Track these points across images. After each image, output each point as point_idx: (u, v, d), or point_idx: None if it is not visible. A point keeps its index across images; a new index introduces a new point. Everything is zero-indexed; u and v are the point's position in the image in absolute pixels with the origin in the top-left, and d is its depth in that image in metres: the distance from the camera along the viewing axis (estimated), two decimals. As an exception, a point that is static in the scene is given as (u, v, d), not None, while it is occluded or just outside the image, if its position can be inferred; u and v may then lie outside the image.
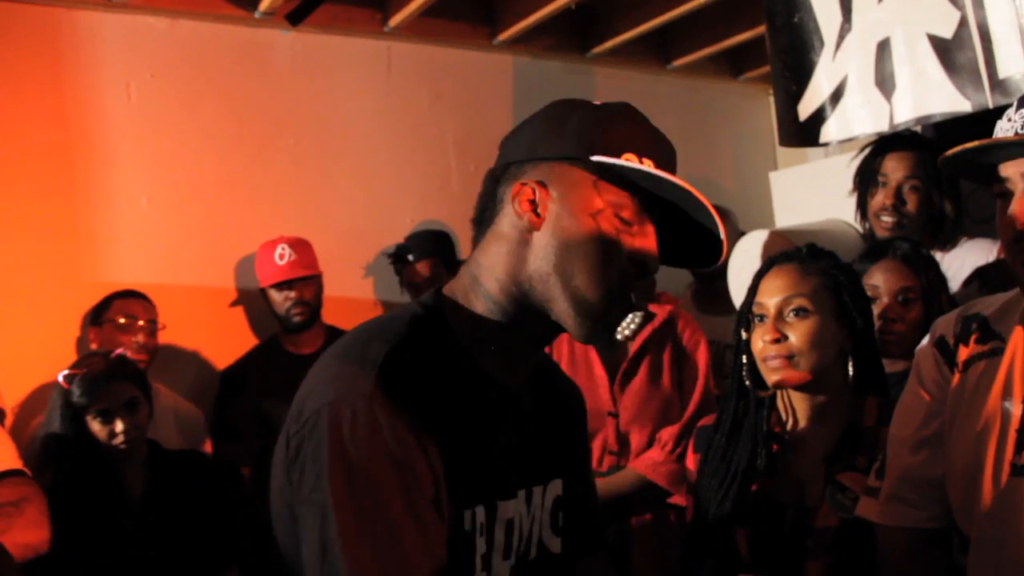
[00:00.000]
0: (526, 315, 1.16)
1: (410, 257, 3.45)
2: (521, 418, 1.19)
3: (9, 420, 2.79)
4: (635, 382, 2.46)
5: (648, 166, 1.13)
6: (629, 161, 1.13)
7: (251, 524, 2.41)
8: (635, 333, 2.50)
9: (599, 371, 2.47)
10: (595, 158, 1.13)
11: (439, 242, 3.52)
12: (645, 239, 1.16)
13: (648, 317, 2.52)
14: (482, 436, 1.12)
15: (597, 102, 1.20)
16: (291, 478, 1.06)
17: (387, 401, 1.03)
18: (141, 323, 2.95)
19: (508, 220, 1.17)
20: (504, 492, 1.15)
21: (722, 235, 1.15)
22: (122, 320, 2.94)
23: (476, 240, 1.22)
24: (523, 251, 1.15)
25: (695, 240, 1.18)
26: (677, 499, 2.41)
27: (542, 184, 1.14)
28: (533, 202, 1.14)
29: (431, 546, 1.02)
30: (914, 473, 1.54)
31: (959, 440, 1.47)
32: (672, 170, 1.17)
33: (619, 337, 2.51)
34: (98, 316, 2.98)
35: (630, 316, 2.50)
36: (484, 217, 1.21)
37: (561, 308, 1.14)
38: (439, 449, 1.05)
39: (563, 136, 1.16)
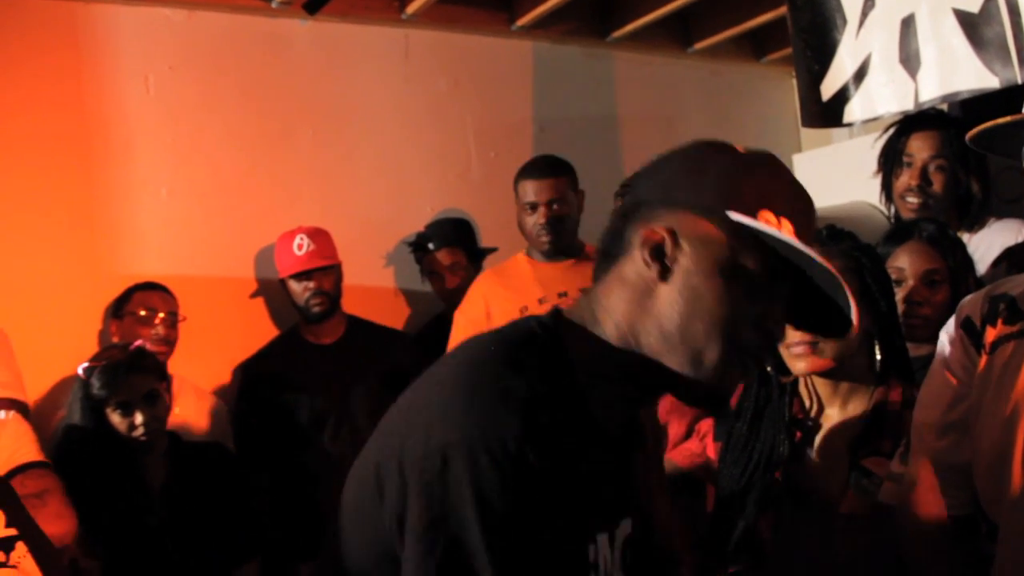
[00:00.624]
0: (637, 367, 1.12)
1: (431, 246, 3.44)
2: (610, 464, 1.16)
3: (33, 413, 2.81)
4: None
5: (786, 226, 1.08)
6: (766, 222, 1.07)
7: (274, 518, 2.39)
8: None
9: None
10: (732, 215, 1.07)
11: (460, 230, 3.51)
12: (773, 306, 1.11)
13: None
14: (587, 474, 1.09)
15: (741, 148, 1.14)
16: (397, 512, 1.01)
17: (538, 442, 0.99)
18: (161, 315, 2.96)
19: (634, 265, 1.11)
20: (600, 529, 1.14)
21: (854, 312, 1.10)
22: (142, 312, 2.95)
23: (598, 273, 1.16)
24: (647, 302, 1.10)
25: (824, 304, 1.12)
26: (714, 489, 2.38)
27: (672, 233, 1.09)
28: (661, 250, 1.09)
29: None
30: (940, 459, 1.50)
31: (986, 424, 1.43)
32: (811, 226, 1.14)
33: None
34: (119, 309, 3.00)
35: None
36: (609, 253, 1.15)
37: (675, 368, 1.10)
38: (567, 483, 1.03)
39: (701, 184, 1.10)
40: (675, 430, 2.41)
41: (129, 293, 3.00)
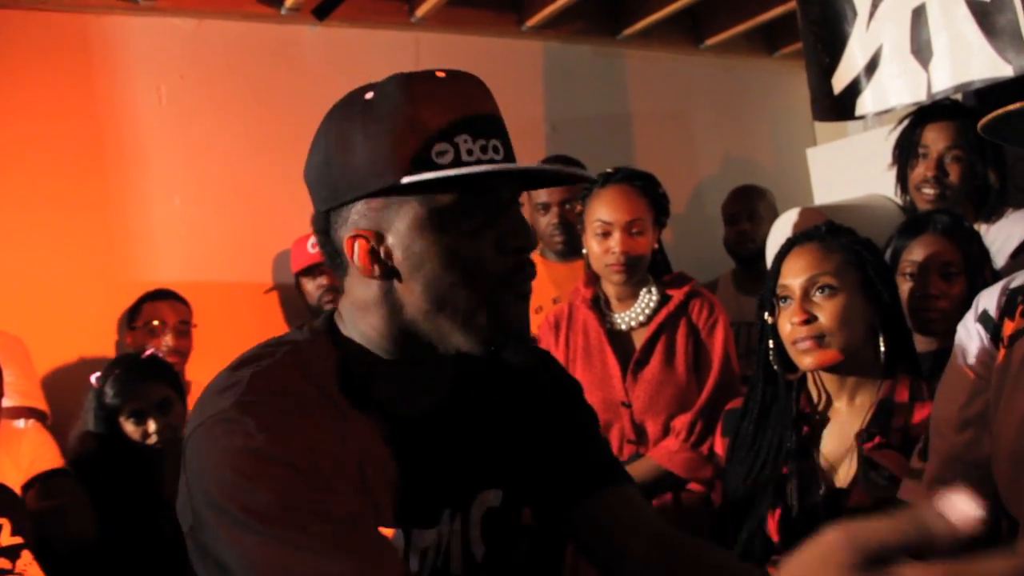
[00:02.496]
0: (417, 354, 1.08)
1: None
2: (431, 445, 1.09)
3: (51, 421, 2.82)
4: (647, 370, 2.38)
5: (464, 143, 0.99)
6: (443, 155, 0.99)
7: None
8: (649, 319, 2.42)
9: (611, 361, 2.40)
10: (405, 179, 0.98)
11: None
12: (504, 222, 1.04)
13: (663, 301, 2.44)
14: (380, 465, 1.04)
15: (368, 94, 1.03)
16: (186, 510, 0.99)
17: (246, 416, 0.95)
18: (171, 325, 2.96)
19: (360, 280, 1.06)
20: (420, 521, 1.08)
21: (557, 169, 1.08)
22: (153, 323, 2.96)
23: (340, 279, 1.12)
24: (391, 302, 1.05)
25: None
26: (695, 485, 2.34)
27: (373, 235, 1.02)
28: (375, 253, 1.03)
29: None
30: (959, 454, 1.48)
31: (1006, 418, 1.41)
32: (476, 94, 1.04)
33: (633, 324, 2.44)
34: (132, 320, 3.01)
35: (645, 299, 2.43)
36: (335, 264, 1.10)
37: (458, 341, 1.04)
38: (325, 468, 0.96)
39: (358, 169, 1.01)
40: (652, 429, 2.39)
41: (139, 304, 3.02)
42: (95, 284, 3.15)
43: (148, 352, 2.51)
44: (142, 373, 2.40)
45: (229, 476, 0.92)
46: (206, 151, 3.39)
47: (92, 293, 3.13)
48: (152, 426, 2.35)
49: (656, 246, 2.46)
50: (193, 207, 3.34)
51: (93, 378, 2.42)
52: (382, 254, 1.03)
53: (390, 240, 1.03)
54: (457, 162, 0.99)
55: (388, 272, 1.04)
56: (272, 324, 3.43)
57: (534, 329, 2.58)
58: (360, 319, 1.09)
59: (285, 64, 3.55)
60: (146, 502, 2.35)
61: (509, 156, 1.05)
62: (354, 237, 1.04)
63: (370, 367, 1.08)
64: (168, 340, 2.93)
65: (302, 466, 0.93)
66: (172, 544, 2.29)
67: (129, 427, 2.36)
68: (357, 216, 1.04)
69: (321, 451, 0.96)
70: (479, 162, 1.00)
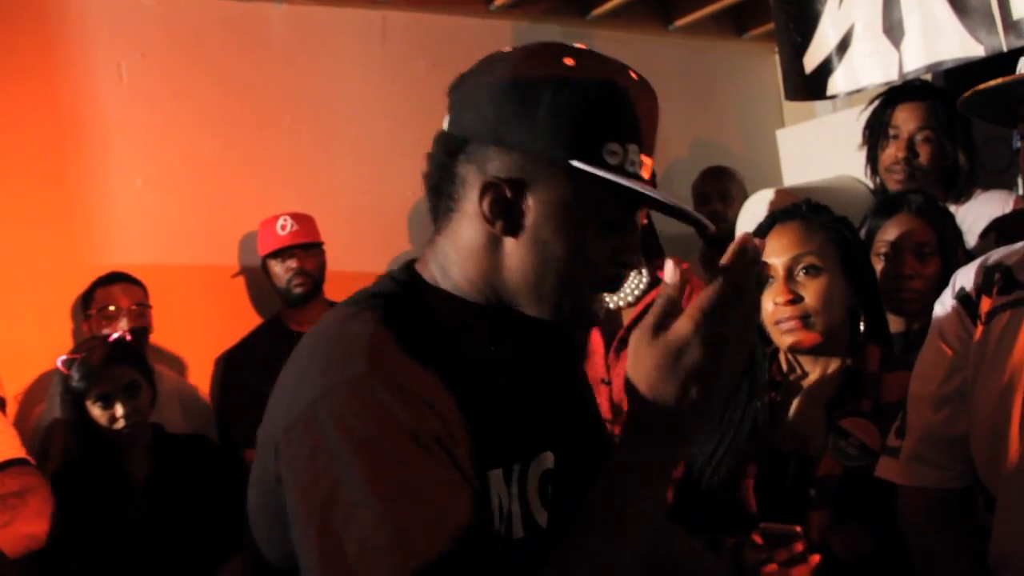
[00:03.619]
0: (500, 308, 1.10)
1: None
2: (505, 398, 1.11)
3: (12, 408, 2.76)
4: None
5: (632, 151, 1.03)
6: (612, 154, 1.02)
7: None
8: (638, 299, 2.44)
9: (596, 338, 2.42)
10: (576, 164, 1.01)
11: None
12: (628, 237, 1.08)
13: (654, 282, 2.45)
14: (479, 408, 1.05)
15: (568, 59, 1.04)
16: (284, 478, 0.98)
17: (384, 376, 0.97)
18: (125, 309, 2.90)
19: (475, 219, 1.06)
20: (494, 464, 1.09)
21: (703, 220, 1.09)
22: (108, 308, 2.89)
23: (437, 217, 1.11)
24: (496, 256, 1.07)
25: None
26: None
27: (513, 184, 1.03)
28: (507, 204, 1.04)
29: (463, 507, 0.95)
30: (936, 431, 1.49)
31: (983, 395, 1.42)
32: (655, 119, 1.09)
33: (621, 304, 2.45)
34: (86, 307, 2.95)
35: (635, 280, 2.44)
36: (441, 192, 1.09)
37: (538, 310, 1.08)
38: (452, 414, 0.99)
39: (535, 123, 1.02)
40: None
41: (92, 290, 2.95)
42: (55, 268, 3.07)
43: (116, 335, 2.46)
44: (109, 356, 2.35)
45: (358, 455, 0.93)
46: (169, 131, 3.32)
47: (52, 277, 3.06)
48: (119, 410, 2.31)
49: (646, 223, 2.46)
50: (155, 188, 3.28)
51: (59, 361, 2.37)
52: (513, 209, 1.04)
53: (529, 202, 1.04)
54: (620, 167, 1.03)
55: (509, 227, 1.05)
56: (237, 307, 3.38)
57: None
58: (456, 264, 1.09)
59: (250, 42, 3.48)
60: (113, 488, 2.31)
61: (653, 176, 1.11)
62: (492, 183, 1.03)
63: (462, 317, 1.09)
64: (124, 324, 2.87)
65: (436, 437, 0.96)
66: (140, 530, 2.27)
67: (96, 411, 2.32)
68: (503, 164, 1.04)
69: (445, 413, 0.99)
70: (636, 175, 1.04)
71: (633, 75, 1.06)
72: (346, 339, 1.01)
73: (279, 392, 1.05)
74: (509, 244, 1.06)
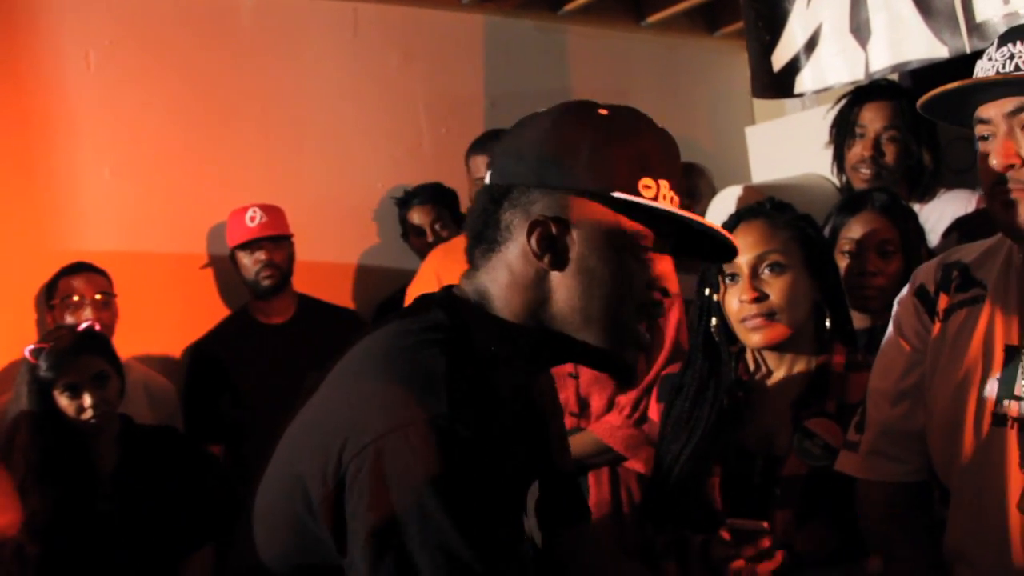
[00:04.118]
0: (540, 345, 1.16)
1: (415, 201, 3.42)
2: (521, 430, 1.18)
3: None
4: None
5: (663, 186, 1.14)
6: (646, 188, 1.12)
7: (230, 504, 2.34)
8: None
9: None
10: (617, 195, 1.11)
11: (444, 194, 3.46)
12: (664, 264, 1.17)
13: None
14: (504, 443, 1.10)
15: (603, 111, 1.16)
16: (330, 522, 1.01)
17: (463, 416, 1.00)
18: (89, 299, 2.88)
19: (521, 256, 1.13)
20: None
21: (736, 245, 1.20)
22: (72, 299, 2.86)
23: (474, 258, 1.18)
24: (542, 290, 1.14)
25: (708, 238, 1.19)
26: (634, 464, 2.36)
27: (559, 222, 1.12)
28: (551, 239, 1.11)
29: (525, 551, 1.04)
30: (895, 426, 1.52)
31: (940, 390, 1.45)
32: (678, 163, 1.19)
33: None
34: (49, 298, 2.91)
35: None
36: (484, 237, 1.16)
37: (590, 337, 1.14)
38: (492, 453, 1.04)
39: (575, 164, 1.12)
40: (596, 403, 2.41)
41: (55, 280, 2.91)
42: (21, 257, 3.02)
43: (85, 325, 2.43)
44: (77, 346, 2.32)
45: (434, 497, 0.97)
46: (137, 120, 3.28)
47: (18, 267, 3.01)
48: (87, 400, 2.28)
49: None
50: (123, 178, 3.24)
51: (27, 351, 2.34)
52: (558, 244, 1.12)
53: (573, 236, 1.12)
54: (655, 200, 1.13)
55: (556, 262, 1.12)
56: (204, 297, 3.35)
57: None
58: (499, 299, 1.15)
59: (220, 32, 3.45)
60: (80, 479, 2.29)
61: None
62: (539, 221, 1.11)
63: (513, 347, 1.14)
64: (88, 314, 2.84)
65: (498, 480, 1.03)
66: (108, 521, 2.26)
67: (63, 401, 2.29)
68: (547, 204, 1.12)
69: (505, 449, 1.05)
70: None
71: (655, 124, 1.18)
72: (420, 371, 1.04)
73: (329, 409, 1.08)
74: (555, 277, 1.13)
